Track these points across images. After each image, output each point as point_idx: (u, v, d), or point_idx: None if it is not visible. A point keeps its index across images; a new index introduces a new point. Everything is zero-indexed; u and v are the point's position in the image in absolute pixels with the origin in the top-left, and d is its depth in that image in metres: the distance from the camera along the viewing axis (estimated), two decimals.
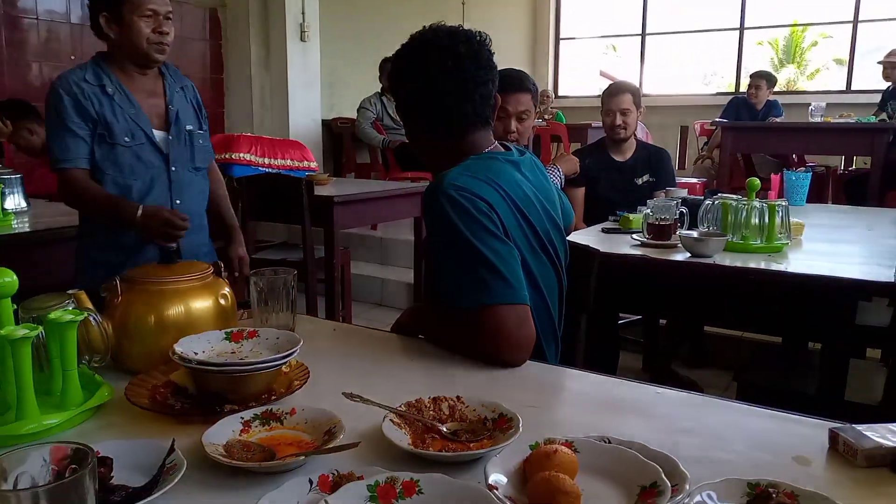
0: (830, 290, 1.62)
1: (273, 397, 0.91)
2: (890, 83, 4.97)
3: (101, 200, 1.75)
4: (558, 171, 2.62)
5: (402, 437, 0.79)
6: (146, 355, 1.01)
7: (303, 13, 4.85)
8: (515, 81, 2.04)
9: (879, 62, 4.99)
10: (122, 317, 1.01)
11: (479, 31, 1.26)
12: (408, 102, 1.27)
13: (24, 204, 2.35)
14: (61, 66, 4.12)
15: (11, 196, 2.31)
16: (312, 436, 0.81)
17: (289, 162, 3.82)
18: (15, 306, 0.91)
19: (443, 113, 1.23)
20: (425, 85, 1.21)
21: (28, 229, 2.05)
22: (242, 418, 0.83)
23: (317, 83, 5.08)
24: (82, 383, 0.92)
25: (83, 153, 1.74)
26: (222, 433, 0.79)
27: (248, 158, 3.67)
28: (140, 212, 1.71)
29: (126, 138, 1.77)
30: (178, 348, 0.92)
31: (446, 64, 1.20)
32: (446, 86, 1.20)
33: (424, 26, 1.24)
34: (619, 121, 2.78)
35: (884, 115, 4.78)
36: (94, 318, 0.97)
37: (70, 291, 1.00)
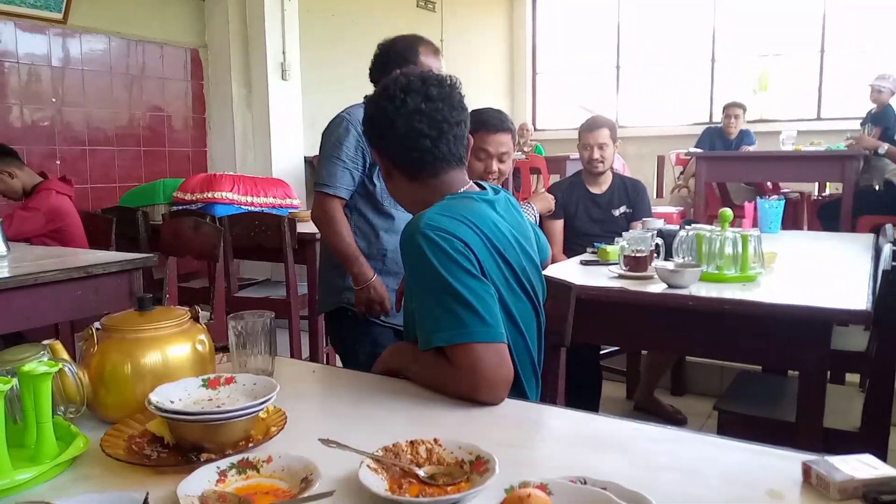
0: (804, 319, 1.65)
1: (250, 444, 0.90)
2: (875, 105, 5.05)
3: (346, 243, 1.96)
4: (533, 209, 2.65)
5: (378, 483, 0.79)
6: (123, 404, 1.00)
7: (283, 52, 4.91)
8: (496, 122, 2.08)
9: (870, 84, 5.08)
10: (99, 366, 1.01)
11: (450, 75, 1.30)
12: (383, 145, 1.29)
13: (3, 249, 2.33)
14: (42, 109, 4.13)
15: None
16: (289, 484, 0.80)
17: (271, 199, 3.84)
18: None
19: (418, 154, 1.25)
20: (400, 127, 1.24)
21: (7, 274, 2.03)
22: (219, 468, 0.82)
23: (299, 121, 5.12)
24: (58, 434, 0.91)
25: (346, 184, 1.96)
26: (198, 484, 0.78)
27: (230, 197, 3.69)
28: (374, 279, 1.96)
29: None
30: (153, 397, 0.91)
31: (420, 106, 1.23)
32: (421, 127, 1.23)
33: (396, 72, 1.27)
34: (596, 154, 2.83)
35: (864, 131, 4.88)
36: (69, 369, 0.97)
37: (45, 342, 1.00)
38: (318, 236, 3.01)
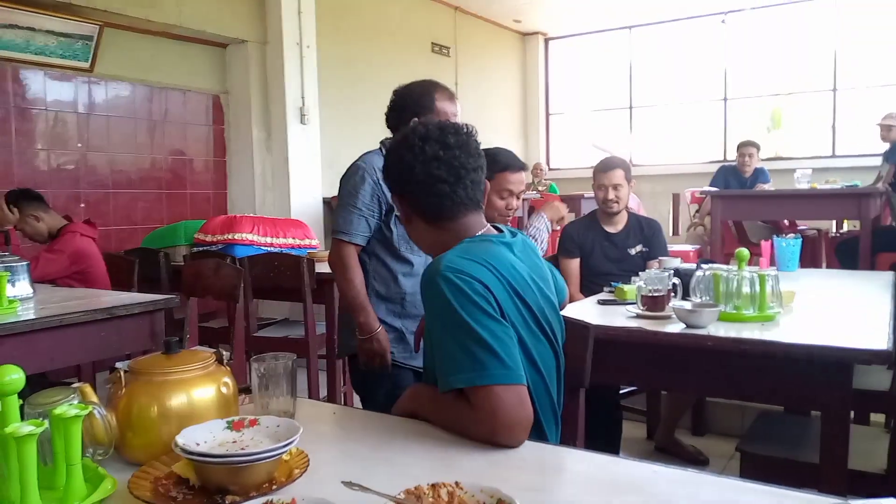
0: (824, 359, 1.63)
1: (274, 487, 0.92)
2: (888, 144, 4.99)
3: (356, 291, 1.98)
4: (543, 217, 2.65)
5: None
6: (150, 446, 1.02)
7: (302, 97, 5.04)
8: (517, 162, 2.20)
9: (878, 124, 5.07)
10: (126, 408, 1.03)
11: (466, 124, 1.35)
12: (403, 191, 1.33)
13: (29, 291, 2.38)
14: (67, 153, 4.26)
15: (18, 283, 2.35)
16: None
17: (290, 240, 3.90)
18: (21, 401, 0.93)
19: (437, 199, 1.29)
20: (419, 174, 1.28)
21: (32, 316, 2.08)
22: None
23: (317, 163, 5.23)
24: (86, 476, 0.93)
25: (362, 231, 2.00)
26: None
27: (250, 238, 3.75)
28: (379, 331, 1.98)
29: None
30: (179, 439, 0.93)
31: (438, 154, 1.27)
32: (439, 174, 1.27)
33: (415, 121, 1.32)
34: (611, 195, 2.86)
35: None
36: (98, 412, 0.99)
37: (74, 385, 1.03)
38: (307, 280, 3.07)
